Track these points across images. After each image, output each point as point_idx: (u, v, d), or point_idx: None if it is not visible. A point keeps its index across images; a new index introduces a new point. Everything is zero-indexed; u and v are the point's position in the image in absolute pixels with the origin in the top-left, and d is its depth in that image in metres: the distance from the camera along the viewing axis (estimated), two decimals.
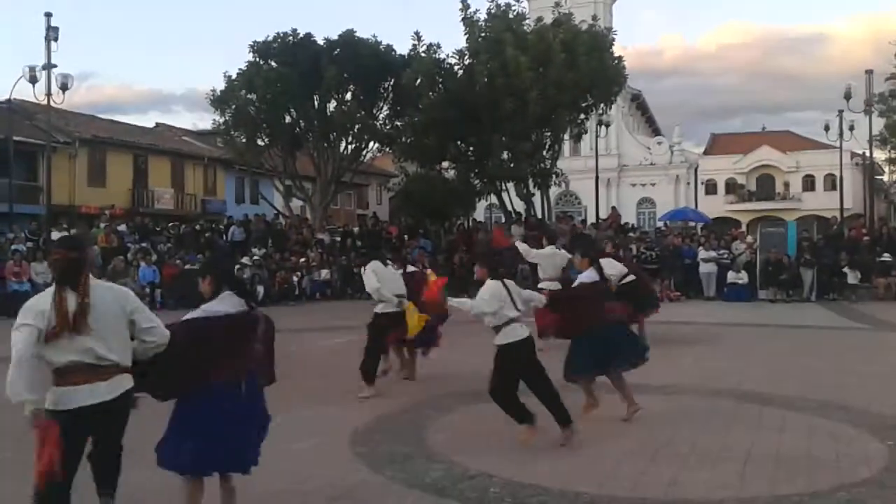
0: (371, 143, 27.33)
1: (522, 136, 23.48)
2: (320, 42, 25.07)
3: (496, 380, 5.81)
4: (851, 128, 27.63)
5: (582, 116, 25.49)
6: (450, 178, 27.20)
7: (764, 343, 11.92)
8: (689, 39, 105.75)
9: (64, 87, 19.52)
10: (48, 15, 19.20)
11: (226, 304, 4.00)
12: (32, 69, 19.36)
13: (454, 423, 6.52)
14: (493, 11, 24.50)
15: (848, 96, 24.70)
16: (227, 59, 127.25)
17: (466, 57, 24.54)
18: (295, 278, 20.85)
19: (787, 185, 49.49)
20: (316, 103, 25.37)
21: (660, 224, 30.62)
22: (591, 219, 30.13)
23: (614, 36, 25.62)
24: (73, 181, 28.38)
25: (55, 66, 19.38)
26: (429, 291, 7.76)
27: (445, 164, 26.72)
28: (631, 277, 9.66)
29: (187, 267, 18.37)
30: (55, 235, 17.07)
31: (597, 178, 31.31)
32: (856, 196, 39.31)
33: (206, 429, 3.76)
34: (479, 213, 34.51)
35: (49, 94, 19.50)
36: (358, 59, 24.27)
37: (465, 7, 24.52)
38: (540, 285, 10.01)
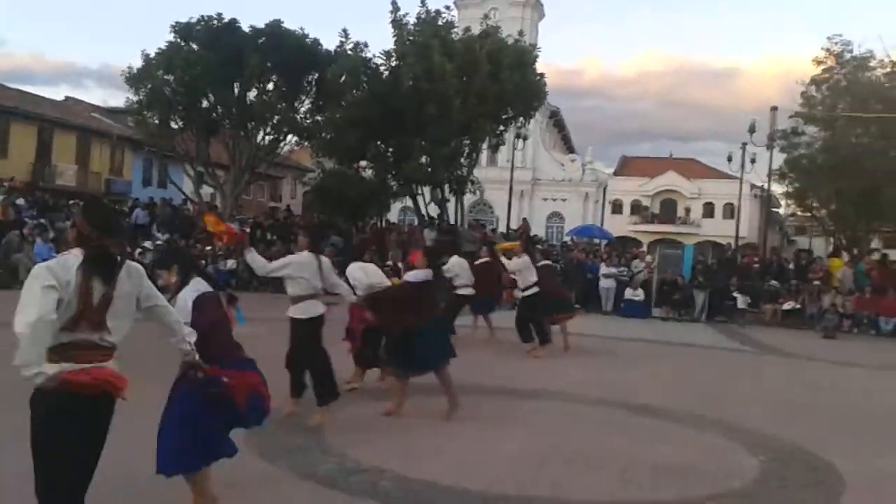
0: (290, 136, 26.94)
1: (443, 142, 23.71)
2: (245, 29, 24.61)
3: (299, 352, 6.41)
4: (753, 160, 29.01)
5: (501, 128, 25.99)
6: (367, 177, 27.18)
7: (655, 358, 12.44)
8: (609, 63, 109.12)
9: None
10: None
11: (202, 288, 4.08)
12: None
13: (350, 418, 6.60)
14: (422, 17, 24.67)
15: (752, 130, 25.88)
16: (147, 37, 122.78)
17: (393, 59, 24.62)
18: None
19: (688, 210, 51.73)
20: (236, 91, 24.82)
21: (567, 238, 31.48)
22: (503, 228, 30.72)
23: (538, 53, 26.21)
24: None
25: None
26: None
27: (364, 162, 26.68)
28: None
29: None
30: None
31: (511, 189, 31.93)
32: (752, 226, 41.43)
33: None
34: (394, 215, 34.59)
35: None
36: (283, 51, 23.90)
37: (396, 9, 24.61)
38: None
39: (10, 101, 30.21)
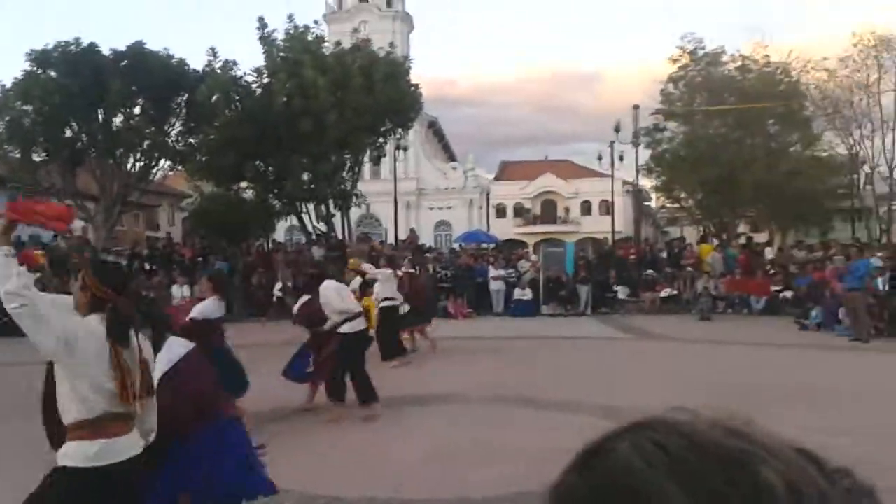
0: (162, 161, 26.06)
1: (321, 158, 23.60)
2: (106, 53, 23.64)
3: None
4: (622, 158, 30.26)
5: (380, 140, 26.12)
6: (247, 198, 26.65)
7: (544, 353, 12.92)
8: (484, 71, 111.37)
9: None
10: None
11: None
12: None
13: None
14: (291, 32, 24.51)
15: (618, 129, 27.16)
16: (0, 67, 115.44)
17: (265, 76, 24.33)
18: None
19: (567, 209, 53.54)
20: (101, 117, 23.82)
21: (455, 245, 31.93)
22: (391, 240, 30.84)
23: (411, 64, 26.56)
24: None
25: None
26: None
27: (243, 183, 26.16)
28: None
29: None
30: None
31: (395, 200, 32.10)
32: (627, 220, 43.27)
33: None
34: (280, 234, 34.05)
35: None
36: (148, 73, 23.08)
37: (263, 26, 24.34)
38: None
39: None
